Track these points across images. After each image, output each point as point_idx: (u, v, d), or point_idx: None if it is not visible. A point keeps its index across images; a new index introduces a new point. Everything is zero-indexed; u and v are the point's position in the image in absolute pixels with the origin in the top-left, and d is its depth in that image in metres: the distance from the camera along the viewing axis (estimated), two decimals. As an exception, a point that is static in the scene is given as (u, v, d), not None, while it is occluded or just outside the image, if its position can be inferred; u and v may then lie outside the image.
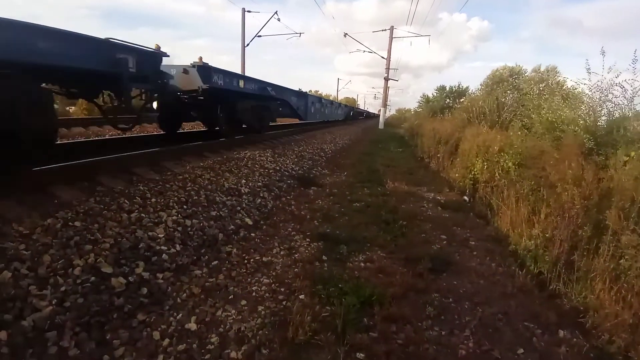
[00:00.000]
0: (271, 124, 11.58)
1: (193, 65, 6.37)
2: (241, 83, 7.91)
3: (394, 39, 29.01)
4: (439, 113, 19.49)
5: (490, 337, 2.51)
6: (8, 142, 3.18)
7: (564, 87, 9.20)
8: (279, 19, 23.37)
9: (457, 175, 8.09)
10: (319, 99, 18.43)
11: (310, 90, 27.73)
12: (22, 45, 3.14)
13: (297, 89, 12.97)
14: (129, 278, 2.54)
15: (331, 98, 44.87)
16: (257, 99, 9.15)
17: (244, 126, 8.91)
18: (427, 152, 12.02)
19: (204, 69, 6.43)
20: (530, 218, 4.51)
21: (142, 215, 3.30)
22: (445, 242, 4.27)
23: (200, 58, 6.20)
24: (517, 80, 14.34)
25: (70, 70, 3.82)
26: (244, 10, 23.93)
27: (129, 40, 4.57)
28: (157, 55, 5.11)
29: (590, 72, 5.34)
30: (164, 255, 2.94)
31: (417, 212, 5.35)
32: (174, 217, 3.49)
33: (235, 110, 8.16)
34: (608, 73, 5.11)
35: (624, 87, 4.97)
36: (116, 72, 4.24)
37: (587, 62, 5.40)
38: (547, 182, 4.47)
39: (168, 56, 5.39)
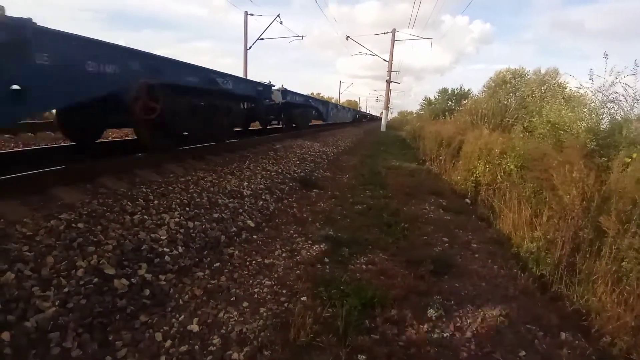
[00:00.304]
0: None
1: (278, 90, 10.42)
2: (297, 97, 12.37)
3: (395, 42, 29.07)
4: (441, 116, 19.51)
5: (491, 340, 2.51)
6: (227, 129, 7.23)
7: (567, 89, 9.20)
8: (281, 22, 23.50)
9: (459, 177, 8.09)
10: (336, 105, 23.80)
11: (312, 93, 29.02)
12: (238, 87, 6.99)
13: (322, 99, 18.50)
14: (132, 279, 2.56)
15: (333, 101, 45.62)
16: (303, 107, 13.99)
17: (293, 125, 13.19)
18: (429, 155, 12.02)
19: (283, 91, 10.74)
20: (532, 220, 4.52)
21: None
22: (447, 244, 4.27)
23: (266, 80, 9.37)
24: (519, 83, 14.32)
25: (245, 96, 7.84)
26: (246, 13, 24.05)
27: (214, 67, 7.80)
28: (270, 86, 9.26)
29: (592, 76, 5.36)
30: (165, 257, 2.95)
31: (418, 215, 5.34)
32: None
33: (292, 115, 12.76)
34: (610, 76, 5.13)
35: (627, 89, 4.98)
36: (257, 96, 8.29)
37: (590, 70, 5.41)
38: (549, 185, 4.47)
39: (274, 86, 9.67)
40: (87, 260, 2.50)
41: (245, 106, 8.97)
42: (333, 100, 49.94)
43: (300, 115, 13.71)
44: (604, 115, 5.38)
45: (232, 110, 7.13)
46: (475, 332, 2.58)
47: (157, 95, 4.54)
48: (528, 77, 15.57)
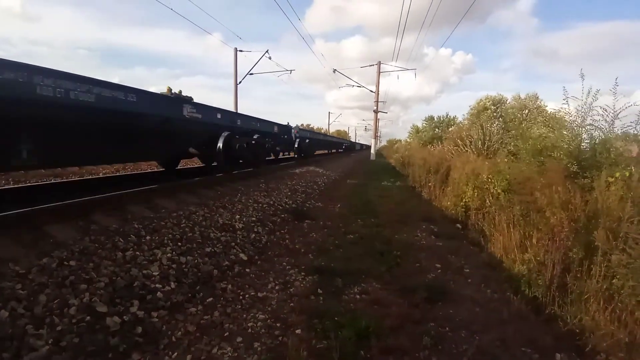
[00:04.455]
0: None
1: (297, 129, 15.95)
2: (304, 133, 18.62)
3: (381, 73, 30.00)
4: (429, 143, 19.93)
5: (488, 365, 2.50)
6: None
7: (545, 113, 9.52)
8: (270, 57, 24.24)
9: (449, 203, 8.18)
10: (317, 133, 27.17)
11: (303, 125, 29.35)
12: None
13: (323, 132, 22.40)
14: (124, 317, 2.52)
15: (323, 131, 45.69)
16: (305, 139, 18.68)
17: (302, 155, 18.07)
18: (418, 182, 12.16)
19: (300, 130, 16.51)
20: (523, 243, 4.56)
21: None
22: (440, 270, 4.28)
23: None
24: (499, 109, 14.82)
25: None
26: (236, 50, 24.81)
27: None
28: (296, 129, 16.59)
29: (567, 98, 5.54)
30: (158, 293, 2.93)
31: (411, 242, 5.37)
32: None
33: (300, 147, 17.47)
34: (587, 98, 5.31)
35: (605, 110, 5.15)
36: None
37: (564, 90, 5.60)
38: (536, 207, 4.55)
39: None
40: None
41: None
42: (323, 131, 49.20)
43: (307, 146, 19.24)
44: (584, 136, 5.53)
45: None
46: (471, 357, 2.56)
47: None
48: (508, 102, 16.14)
